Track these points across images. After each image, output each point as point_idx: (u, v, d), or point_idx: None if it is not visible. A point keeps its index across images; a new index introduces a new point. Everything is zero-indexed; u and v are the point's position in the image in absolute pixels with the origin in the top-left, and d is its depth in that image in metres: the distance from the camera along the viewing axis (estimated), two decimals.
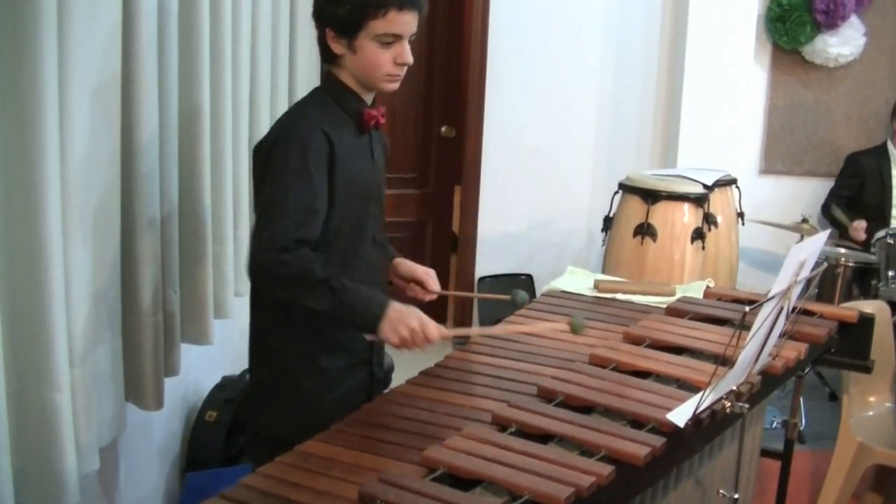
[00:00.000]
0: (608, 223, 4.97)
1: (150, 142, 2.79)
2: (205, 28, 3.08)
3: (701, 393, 2.20)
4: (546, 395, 2.42)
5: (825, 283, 5.08)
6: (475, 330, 2.74)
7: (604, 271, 4.82)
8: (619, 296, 3.40)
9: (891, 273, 5.19)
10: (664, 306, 3.25)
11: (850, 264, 5.11)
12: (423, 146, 6.38)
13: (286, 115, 2.64)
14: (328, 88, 2.58)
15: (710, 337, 2.88)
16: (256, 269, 2.42)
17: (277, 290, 2.47)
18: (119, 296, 2.71)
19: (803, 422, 4.90)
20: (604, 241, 5.03)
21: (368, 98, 2.59)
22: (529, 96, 6.03)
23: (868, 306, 3.73)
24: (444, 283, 6.71)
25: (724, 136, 5.98)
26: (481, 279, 6.09)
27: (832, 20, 5.89)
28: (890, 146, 5.97)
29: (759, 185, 6.17)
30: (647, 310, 3.25)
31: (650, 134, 6.21)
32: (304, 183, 2.39)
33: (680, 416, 2.20)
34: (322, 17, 2.50)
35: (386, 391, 2.64)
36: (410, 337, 2.38)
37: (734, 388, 2.37)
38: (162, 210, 2.92)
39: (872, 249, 5.33)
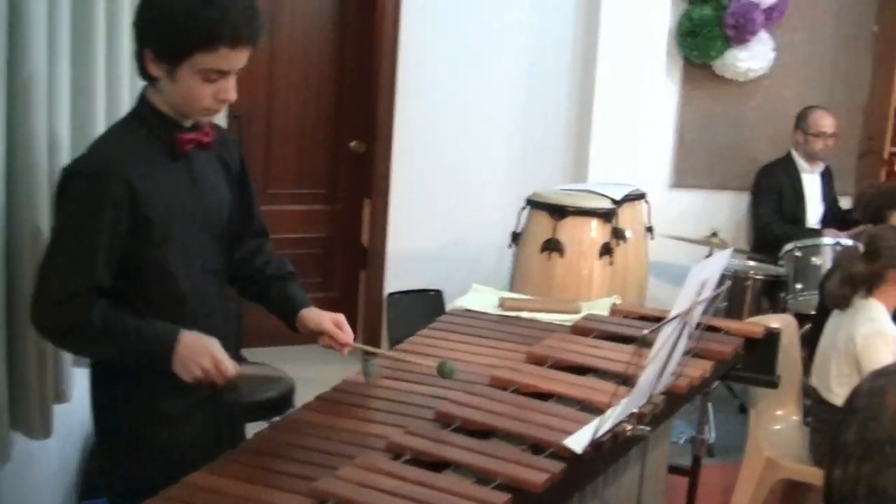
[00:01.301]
0: (516, 238, 4.93)
1: (38, 131, 2.54)
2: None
3: (599, 418, 2.16)
4: (444, 420, 2.34)
5: (735, 296, 5.09)
6: (279, 370, 2.66)
7: (512, 287, 4.78)
8: (524, 314, 3.35)
9: (798, 286, 5.24)
10: (570, 324, 3.21)
11: (759, 277, 5.13)
12: (332, 162, 6.29)
13: (95, 143, 2.41)
14: (140, 114, 2.38)
15: (615, 356, 2.83)
16: (34, 323, 2.30)
17: (58, 344, 2.38)
18: (2, 315, 2.57)
19: (713, 435, 4.90)
20: (513, 256, 4.99)
21: (187, 121, 2.39)
22: (440, 111, 5.97)
23: (775, 320, 3.74)
24: (353, 299, 6.62)
25: (636, 150, 5.97)
26: (391, 295, 6.01)
27: (742, 35, 5.94)
28: (794, 155, 6.03)
29: (670, 199, 6.18)
30: (551, 328, 3.20)
31: (562, 148, 6.19)
32: (87, 230, 2.23)
33: (578, 441, 2.15)
34: (143, 34, 2.27)
35: (281, 417, 2.55)
36: (204, 375, 2.29)
37: (636, 410, 2.33)
38: (50, 214, 2.74)
39: (780, 262, 5.37)
